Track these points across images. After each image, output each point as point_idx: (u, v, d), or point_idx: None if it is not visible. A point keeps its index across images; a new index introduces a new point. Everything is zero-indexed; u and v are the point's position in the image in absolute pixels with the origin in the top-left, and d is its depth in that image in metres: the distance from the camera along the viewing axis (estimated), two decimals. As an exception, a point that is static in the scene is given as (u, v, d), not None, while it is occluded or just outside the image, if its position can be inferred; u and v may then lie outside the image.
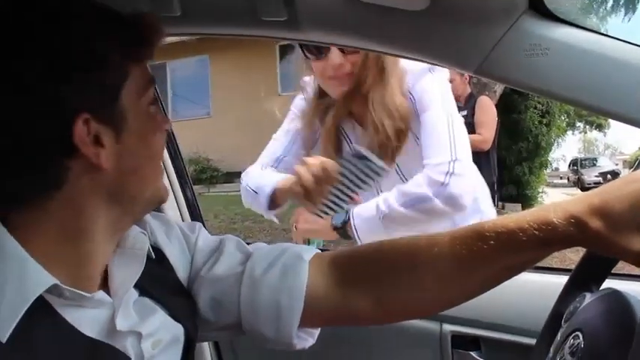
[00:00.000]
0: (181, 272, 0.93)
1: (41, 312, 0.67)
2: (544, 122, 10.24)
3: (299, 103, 1.77)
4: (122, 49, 0.74)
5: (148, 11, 1.04)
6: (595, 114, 0.93)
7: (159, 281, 0.87)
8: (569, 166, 31.02)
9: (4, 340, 0.62)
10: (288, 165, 1.67)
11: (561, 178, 31.87)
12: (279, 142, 1.77)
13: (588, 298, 0.81)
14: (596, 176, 23.89)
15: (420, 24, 0.94)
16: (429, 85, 1.52)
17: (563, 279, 1.21)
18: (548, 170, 14.11)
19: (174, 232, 0.95)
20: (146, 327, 0.80)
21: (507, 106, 8.94)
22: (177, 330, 0.87)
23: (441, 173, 1.39)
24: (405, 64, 1.55)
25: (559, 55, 0.88)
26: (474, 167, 1.48)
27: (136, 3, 1.05)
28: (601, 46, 0.87)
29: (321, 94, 1.66)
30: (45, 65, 0.67)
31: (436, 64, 1.09)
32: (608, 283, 0.88)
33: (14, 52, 0.67)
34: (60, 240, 0.72)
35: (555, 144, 12.32)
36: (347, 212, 1.50)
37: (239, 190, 1.69)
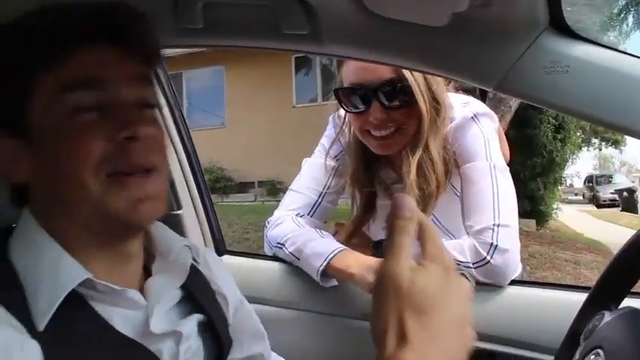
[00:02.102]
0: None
1: (77, 306, 0.70)
2: (559, 138, 10.20)
3: (331, 139, 1.61)
4: (25, 60, 0.72)
5: (171, 23, 1.07)
6: (611, 130, 0.92)
7: (203, 292, 0.90)
8: (585, 182, 30.80)
9: (41, 329, 0.65)
10: (324, 210, 1.57)
11: (576, 194, 31.64)
12: (310, 184, 1.58)
13: (607, 316, 0.81)
14: (612, 193, 23.73)
15: (440, 40, 0.95)
16: (472, 137, 1.41)
17: (580, 296, 1.21)
18: (563, 187, 13.98)
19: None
20: (185, 329, 0.82)
21: (522, 121, 8.93)
22: (214, 337, 0.89)
23: (484, 245, 1.29)
24: (449, 113, 1.42)
25: (579, 73, 0.88)
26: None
27: (159, 16, 1.08)
28: (621, 64, 0.87)
29: (357, 140, 1.51)
30: None
31: (455, 79, 1.09)
32: (627, 302, 0.87)
33: None
34: (69, 240, 0.74)
35: (570, 160, 12.21)
36: None
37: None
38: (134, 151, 0.72)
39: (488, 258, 1.28)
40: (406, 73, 1.34)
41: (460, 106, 1.45)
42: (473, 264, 1.29)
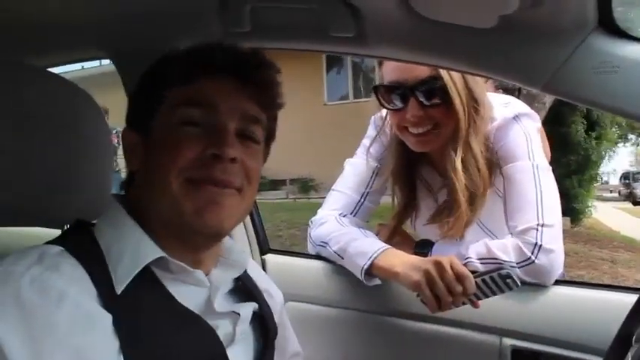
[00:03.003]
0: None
1: (149, 281, 0.81)
2: (594, 135, 10.02)
3: (372, 140, 1.63)
4: (159, 78, 0.90)
5: (220, 26, 1.10)
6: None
7: (254, 287, 1.02)
8: (621, 179, 30.15)
9: (118, 293, 0.77)
10: (366, 210, 1.58)
11: (611, 191, 31.01)
12: (353, 184, 1.60)
13: (662, 317, 0.81)
14: (649, 190, 23.13)
15: (488, 41, 0.95)
16: (514, 137, 1.41)
17: (625, 297, 1.21)
18: (598, 184, 13.73)
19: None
20: (242, 312, 0.92)
21: (556, 118, 8.78)
22: (263, 326, 0.99)
23: (529, 245, 1.29)
24: (490, 113, 1.43)
25: (629, 73, 0.88)
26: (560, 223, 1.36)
27: (208, 21, 1.10)
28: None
29: (397, 138, 1.53)
30: None
31: (503, 80, 1.09)
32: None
33: None
34: (151, 224, 0.86)
35: (606, 156, 11.98)
36: (430, 247, 1.48)
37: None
38: (216, 168, 0.84)
39: (533, 258, 1.28)
40: (442, 72, 1.34)
41: (501, 106, 1.45)
42: (517, 264, 1.29)
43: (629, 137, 25.07)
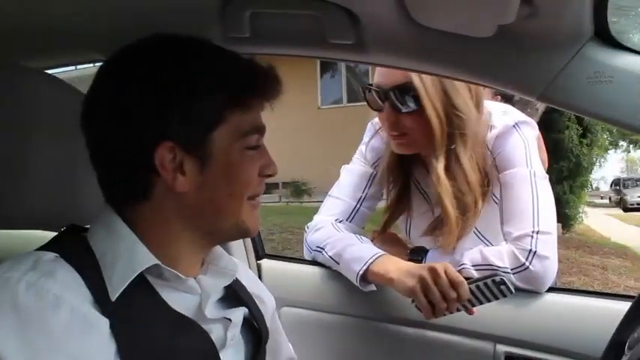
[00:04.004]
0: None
1: (142, 288, 0.82)
2: (585, 142, 10.08)
3: (368, 145, 1.64)
4: (222, 96, 0.85)
5: (219, 31, 1.10)
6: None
7: (244, 292, 1.03)
8: (611, 185, 30.35)
9: (113, 299, 0.77)
10: (362, 216, 1.59)
11: (602, 197, 31.20)
12: (349, 190, 1.60)
13: (655, 325, 0.82)
14: (640, 196, 23.28)
15: (486, 50, 0.96)
16: (512, 145, 1.42)
17: (618, 305, 1.22)
18: (589, 190, 13.80)
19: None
20: (233, 317, 0.93)
21: (548, 124, 8.83)
22: (254, 331, 1.00)
23: (523, 251, 1.30)
24: (488, 119, 1.45)
25: (623, 83, 0.89)
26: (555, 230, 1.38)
27: (207, 26, 1.10)
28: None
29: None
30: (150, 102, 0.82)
31: (500, 89, 1.10)
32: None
33: (126, 90, 0.83)
34: (156, 237, 0.85)
35: (597, 163, 12.06)
36: (424, 254, 1.48)
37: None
38: (264, 184, 0.93)
39: (527, 264, 1.29)
40: (415, 79, 1.35)
41: (500, 114, 1.46)
42: (512, 270, 1.30)
43: (619, 144, 25.29)
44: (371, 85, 1.46)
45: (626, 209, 23.25)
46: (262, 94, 0.90)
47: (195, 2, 1.03)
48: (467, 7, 0.87)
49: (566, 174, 9.86)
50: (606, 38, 0.91)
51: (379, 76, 1.44)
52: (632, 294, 0.99)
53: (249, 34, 1.09)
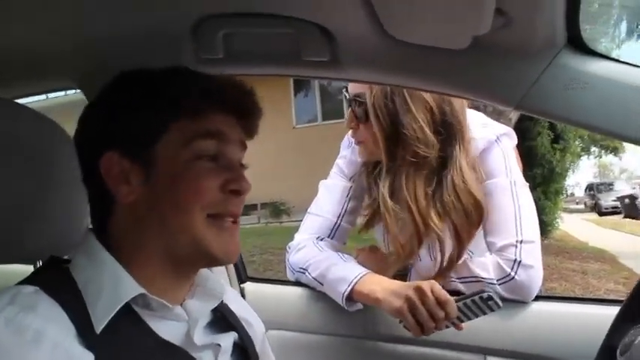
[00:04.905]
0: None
1: (128, 317, 0.79)
2: (558, 148, 10.22)
3: (345, 159, 1.63)
4: (164, 108, 0.85)
5: (192, 53, 1.09)
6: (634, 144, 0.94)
7: (232, 316, 1.01)
8: (586, 190, 30.83)
9: (98, 332, 0.75)
10: (343, 232, 1.58)
11: (577, 203, 31.65)
12: (329, 206, 1.59)
13: (645, 330, 0.82)
14: (614, 200, 23.65)
15: (461, 62, 0.96)
16: (493, 157, 1.43)
17: (606, 310, 1.22)
18: (564, 196, 13.99)
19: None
20: (223, 343, 0.91)
21: (521, 132, 8.94)
22: (244, 355, 0.98)
23: (508, 261, 1.31)
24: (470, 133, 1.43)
25: (598, 89, 0.90)
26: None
27: (181, 49, 1.09)
28: (638, 79, 0.89)
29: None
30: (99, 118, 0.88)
31: (476, 100, 1.10)
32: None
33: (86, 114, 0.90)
34: (136, 261, 0.84)
35: (571, 169, 12.24)
36: (409, 270, 1.48)
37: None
38: (234, 202, 0.87)
39: (513, 274, 1.29)
40: (367, 91, 1.38)
41: (479, 126, 1.46)
42: (497, 280, 1.29)
43: (591, 150, 25.74)
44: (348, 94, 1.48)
45: (601, 213, 23.60)
46: (213, 102, 0.87)
47: (167, 25, 1.02)
48: (441, 19, 0.87)
49: (540, 180, 9.97)
50: (579, 45, 0.92)
51: (351, 86, 1.46)
52: (617, 298, 0.99)
53: (222, 55, 1.08)
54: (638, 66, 0.91)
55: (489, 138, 1.44)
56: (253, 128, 0.95)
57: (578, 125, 0.97)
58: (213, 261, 0.88)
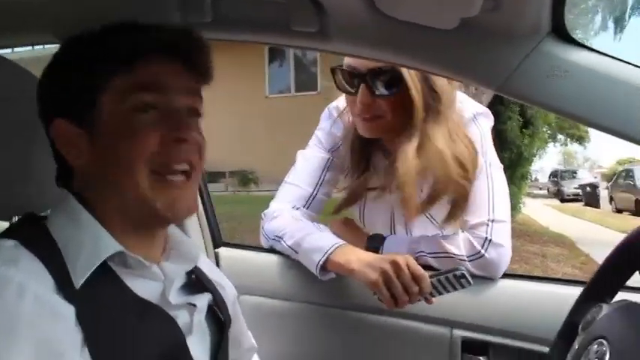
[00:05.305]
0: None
1: (106, 275, 0.81)
2: (527, 133, 10.37)
3: (325, 131, 1.63)
4: (99, 64, 0.83)
5: (178, 15, 1.08)
6: (607, 134, 0.97)
7: (206, 279, 1.02)
8: (550, 177, 31.42)
9: (77, 287, 0.76)
10: (319, 203, 1.57)
11: (540, 189, 32.29)
12: (306, 176, 1.58)
13: (606, 308, 0.86)
14: (576, 188, 24.22)
15: (447, 42, 0.98)
16: (470, 136, 1.43)
17: (568, 289, 1.28)
18: (528, 181, 14.26)
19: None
20: (198, 303, 0.93)
21: (492, 115, 9.03)
22: (217, 316, 1.00)
23: (479, 239, 1.34)
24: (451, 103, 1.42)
25: (578, 78, 0.92)
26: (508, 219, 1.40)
27: (166, 10, 1.08)
28: (618, 70, 0.92)
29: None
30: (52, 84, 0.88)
31: (461, 81, 1.13)
32: (620, 296, 0.93)
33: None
34: (111, 219, 0.84)
35: (537, 155, 12.45)
36: (382, 241, 1.48)
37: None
38: (181, 151, 0.85)
39: (483, 252, 1.32)
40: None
41: (458, 103, 1.48)
42: (467, 257, 1.33)
43: (558, 137, 26.20)
44: (341, 67, 1.44)
45: (563, 200, 24.18)
46: (148, 50, 0.84)
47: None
48: (432, -2, 0.88)
49: (508, 164, 10.11)
50: (562, 34, 0.94)
51: (355, 59, 1.40)
52: (578, 279, 1.05)
53: (210, 19, 1.07)
54: (617, 58, 0.94)
55: (466, 116, 1.46)
56: (203, 71, 0.91)
57: (556, 112, 1.00)
58: (160, 219, 0.86)
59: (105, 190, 0.84)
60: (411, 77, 1.35)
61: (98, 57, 0.83)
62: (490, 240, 1.33)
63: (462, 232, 1.38)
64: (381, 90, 1.38)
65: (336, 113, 1.61)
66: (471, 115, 1.47)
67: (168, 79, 0.85)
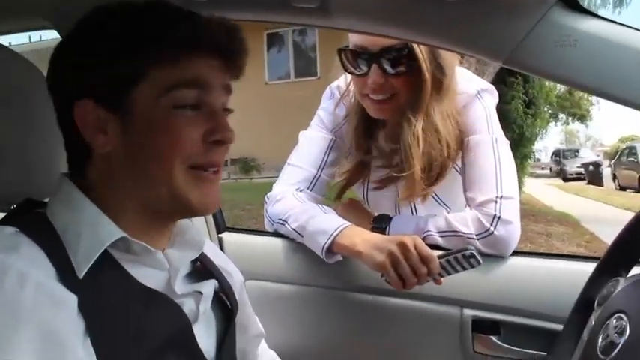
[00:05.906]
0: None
1: (109, 264, 0.78)
2: (529, 113, 10.33)
3: (328, 111, 1.60)
4: (142, 51, 0.79)
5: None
6: (617, 104, 0.96)
7: (212, 265, 1.00)
8: (552, 157, 31.41)
9: (80, 277, 0.74)
10: (323, 184, 1.55)
11: (543, 168, 32.28)
12: (309, 158, 1.56)
13: (623, 282, 0.84)
14: (578, 167, 24.21)
15: (452, 14, 0.96)
16: (474, 111, 1.42)
17: (579, 265, 1.26)
18: (531, 161, 14.26)
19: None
20: (204, 290, 0.91)
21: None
22: (224, 303, 0.98)
23: (488, 217, 1.31)
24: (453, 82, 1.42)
25: (587, 47, 0.90)
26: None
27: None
28: (627, 38, 0.89)
29: (358, 104, 1.51)
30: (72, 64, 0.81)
31: (466, 54, 1.10)
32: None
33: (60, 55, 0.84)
34: (114, 205, 0.82)
35: (540, 135, 12.42)
36: (389, 222, 1.46)
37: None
38: (217, 153, 0.84)
39: (492, 229, 1.30)
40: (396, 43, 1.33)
41: (464, 80, 1.46)
42: (476, 235, 1.31)
43: (559, 117, 26.16)
44: (347, 47, 1.41)
45: (565, 179, 24.16)
46: (197, 45, 0.81)
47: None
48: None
49: (510, 144, 10.09)
50: (570, 2, 0.92)
51: (363, 39, 1.38)
52: (589, 255, 1.03)
53: (208, -4, 1.05)
54: (626, 25, 0.91)
55: (469, 91, 1.44)
56: (239, 70, 0.89)
57: (565, 82, 0.98)
58: (191, 213, 0.87)
59: (128, 180, 0.81)
60: (421, 54, 1.34)
61: (143, 39, 0.79)
62: (499, 217, 1.31)
63: (470, 209, 1.36)
64: (394, 68, 1.37)
65: (338, 93, 1.58)
66: (474, 91, 1.44)
67: (209, 77, 0.83)
